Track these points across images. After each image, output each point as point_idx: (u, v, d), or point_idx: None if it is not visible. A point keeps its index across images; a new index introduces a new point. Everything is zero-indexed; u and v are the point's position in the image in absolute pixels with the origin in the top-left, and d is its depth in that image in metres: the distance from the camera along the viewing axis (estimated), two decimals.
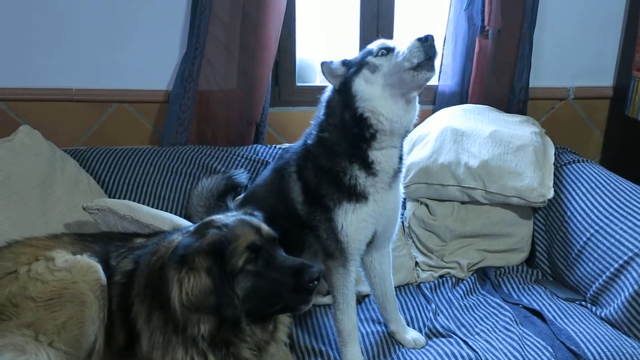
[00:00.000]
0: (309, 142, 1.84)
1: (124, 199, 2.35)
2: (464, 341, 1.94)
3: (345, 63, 1.79)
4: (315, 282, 1.51)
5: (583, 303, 2.16)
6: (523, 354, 1.84)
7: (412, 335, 1.99)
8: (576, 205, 2.30)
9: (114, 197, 2.36)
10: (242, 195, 2.33)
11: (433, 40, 1.65)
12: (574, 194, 2.35)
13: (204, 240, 1.51)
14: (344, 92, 1.76)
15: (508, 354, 1.85)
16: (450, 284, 2.35)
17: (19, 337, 1.52)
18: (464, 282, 2.36)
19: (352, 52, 2.94)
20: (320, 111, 1.85)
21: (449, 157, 2.44)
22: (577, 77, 3.08)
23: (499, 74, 2.84)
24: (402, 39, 1.74)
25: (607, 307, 2.03)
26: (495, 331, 2.00)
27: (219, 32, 2.57)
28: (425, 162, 2.45)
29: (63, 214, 2.13)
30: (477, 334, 2.00)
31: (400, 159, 1.82)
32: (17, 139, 2.20)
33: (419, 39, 1.65)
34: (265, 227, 1.60)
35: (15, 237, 1.79)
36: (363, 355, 1.88)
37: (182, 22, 2.64)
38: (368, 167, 1.76)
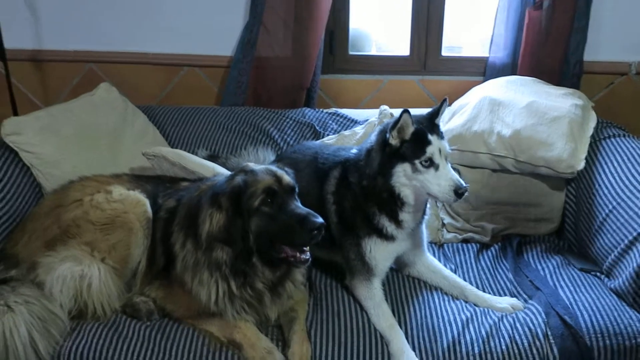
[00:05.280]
0: (351, 177, 2.05)
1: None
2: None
3: (408, 139, 1.92)
4: (316, 232, 1.74)
5: (598, 274, 2.17)
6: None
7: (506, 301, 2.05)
8: (604, 178, 2.28)
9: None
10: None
11: (465, 194, 1.90)
12: (605, 166, 2.32)
13: (229, 184, 1.80)
14: (386, 157, 1.94)
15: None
16: (475, 249, 2.44)
17: (79, 251, 1.91)
18: (489, 250, 2.43)
19: (405, 23, 3.05)
20: (362, 152, 2.05)
21: (483, 125, 2.49)
22: None
23: (550, 46, 2.79)
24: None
25: (617, 279, 2.04)
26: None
27: (275, 2, 2.80)
28: (459, 129, 2.53)
29: (129, 160, 2.50)
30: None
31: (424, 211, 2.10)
32: (97, 94, 2.61)
33: (457, 190, 1.89)
34: (286, 178, 1.86)
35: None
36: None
37: None
38: (397, 222, 2.01)
